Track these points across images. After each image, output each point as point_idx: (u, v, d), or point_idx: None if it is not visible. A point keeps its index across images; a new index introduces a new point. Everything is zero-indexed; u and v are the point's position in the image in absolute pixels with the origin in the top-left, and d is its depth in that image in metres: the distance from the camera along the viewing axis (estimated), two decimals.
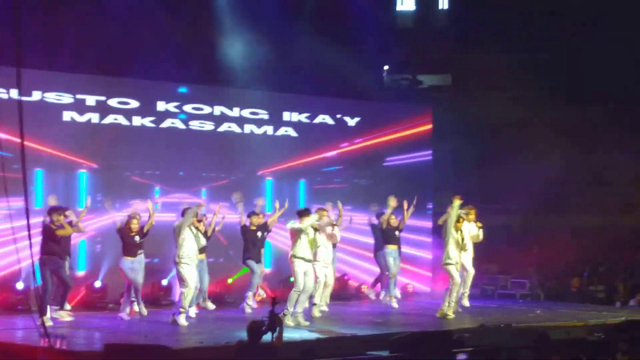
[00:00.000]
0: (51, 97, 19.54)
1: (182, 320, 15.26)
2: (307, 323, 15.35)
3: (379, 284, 20.22)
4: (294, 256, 15.58)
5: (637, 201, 25.38)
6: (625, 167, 24.95)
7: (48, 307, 15.21)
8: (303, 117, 23.00)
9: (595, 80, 25.63)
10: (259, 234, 18.24)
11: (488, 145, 25.73)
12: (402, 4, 29.62)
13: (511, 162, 24.90)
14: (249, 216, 18.29)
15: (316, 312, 16.67)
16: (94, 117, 20.11)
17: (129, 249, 16.37)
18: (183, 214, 15.86)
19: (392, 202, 19.04)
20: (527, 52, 26.93)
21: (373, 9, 24.70)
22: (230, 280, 20.54)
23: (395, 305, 18.85)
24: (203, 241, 16.05)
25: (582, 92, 25.95)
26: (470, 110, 26.03)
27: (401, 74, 28.74)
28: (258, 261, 18.24)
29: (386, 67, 28.32)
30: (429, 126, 24.44)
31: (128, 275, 16.30)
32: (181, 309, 15.31)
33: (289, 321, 15.06)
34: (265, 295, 19.20)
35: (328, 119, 23.39)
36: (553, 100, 25.92)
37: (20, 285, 17.58)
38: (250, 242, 18.15)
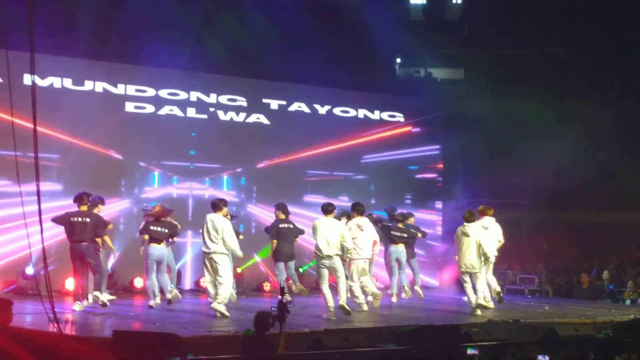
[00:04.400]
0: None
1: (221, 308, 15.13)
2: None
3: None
4: (316, 253, 15.41)
5: None
6: (636, 163, 24.92)
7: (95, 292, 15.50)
8: (305, 108, 23.06)
9: (609, 77, 25.61)
10: (289, 230, 17.83)
11: (498, 139, 25.70)
12: None
13: (521, 156, 24.88)
14: (276, 209, 17.98)
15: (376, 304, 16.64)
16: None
17: (154, 236, 16.18)
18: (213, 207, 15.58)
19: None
20: (539, 47, 26.90)
21: (386, 2, 24.71)
22: (239, 270, 20.58)
23: (394, 300, 18.72)
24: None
25: (594, 88, 25.92)
26: (481, 104, 26.00)
27: (413, 67, 28.73)
28: (287, 260, 17.82)
29: (398, 60, 28.33)
30: (440, 120, 24.46)
31: (148, 264, 16.18)
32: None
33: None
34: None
35: (337, 111, 23.43)
36: (564, 96, 25.88)
37: (29, 270, 17.64)
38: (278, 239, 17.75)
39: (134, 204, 20.61)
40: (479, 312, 16.23)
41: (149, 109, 20.94)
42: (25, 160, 11.24)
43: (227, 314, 14.62)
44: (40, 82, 18.70)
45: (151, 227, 16.09)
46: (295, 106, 22.95)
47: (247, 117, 22.25)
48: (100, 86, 20.32)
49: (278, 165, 22.38)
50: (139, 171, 20.94)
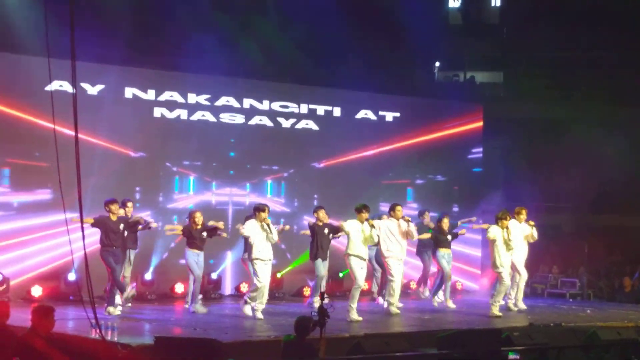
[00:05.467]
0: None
1: (247, 310, 15.43)
2: (360, 318, 15.30)
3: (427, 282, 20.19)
4: (348, 254, 15.60)
5: None
6: None
7: (117, 297, 15.60)
8: (338, 113, 23.09)
9: None
10: (326, 230, 17.86)
11: (539, 143, 25.57)
12: (454, 1, 29.54)
13: (562, 160, 24.74)
14: (315, 212, 18.02)
15: (390, 309, 16.61)
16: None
17: (194, 242, 16.41)
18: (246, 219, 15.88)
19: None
20: (580, 50, 26.74)
21: (424, 5, 24.67)
22: (279, 275, 20.62)
23: (435, 304, 18.76)
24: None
25: (636, 92, 25.71)
26: (522, 107, 25.89)
27: (453, 71, 28.68)
28: (324, 259, 17.85)
29: (438, 64, 28.28)
30: (480, 123, 24.37)
31: (192, 268, 16.36)
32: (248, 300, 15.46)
33: (354, 315, 15.17)
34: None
35: (372, 115, 23.41)
36: (605, 99, 25.70)
37: (72, 276, 17.79)
38: (316, 240, 17.77)
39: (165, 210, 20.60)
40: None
41: (183, 114, 20.95)
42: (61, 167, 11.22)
43: None
44: (71, 89, 18.83)
45: None
46: (337, 111, 22.95)
47: (296, 122, 22.24)
48: (133, 92, 20.34)
49: (322, 169, 22.45)
50: (174, 176, 20.96)
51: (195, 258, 16.34)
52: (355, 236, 15.55)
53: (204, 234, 16.50)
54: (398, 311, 16.48)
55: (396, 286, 16.44)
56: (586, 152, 24.58)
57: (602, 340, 13.14)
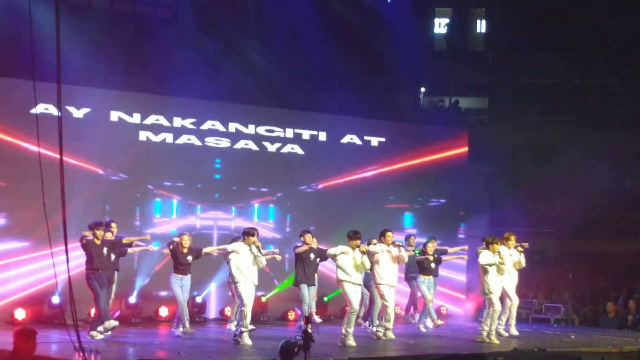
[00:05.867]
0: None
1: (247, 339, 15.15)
2: (354, 344, 15.12)
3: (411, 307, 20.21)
4: (341, 280, 15.43)
5: None
6: None
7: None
8: (324, 137, 23.12)
9: (634, 106, 25.56)
10: (312, 255, 17.92)
11: (523, 168, 25.66)
12: (439, 27, 29.68)
13: (546, 186, 24.81)
14: (301, 235, 18.02)
15: (387, 334, 16.52)
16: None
17: (178, 266, 16.39)
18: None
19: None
20: (564, 77, 26.89)
21: (410, 32, 24.81)
22: (264, 299, 20.60)
23: (423, 329, 18.78)
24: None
25: (619, 118, 25.86)
26: (506, 133, 25.99)
27: (438, 96, 28.78)
28: (310, 284, 17.88)
29: (423, 90, 28.39)
30: (465, 149, 24.44)
31: (175, 293, 16.33)
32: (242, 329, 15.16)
33: (350, 341, 14.98)
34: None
35: (358, 140, 23.45)
36: (589, 125, 25.83)
37: (55, 299, 17.72)
38: (300, 265, 17.80)
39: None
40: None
41: (168, 138, 20.94)
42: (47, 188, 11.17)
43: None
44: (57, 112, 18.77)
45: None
46: (322, 136, 23.00)
47: (281, 147, 22.25)
48: (119, 115, 20.32)
49: (309, 193, 22.48)
50: (155, 198, 20.92)
51: (179, 282, 16.32)
52: (347, 262, 15.33)
53: (189, 257, 16.46)
54: (393, 337, 16.42)
55: (391, 311, 16.39)
56: (571, 177, 24.67)
57: None
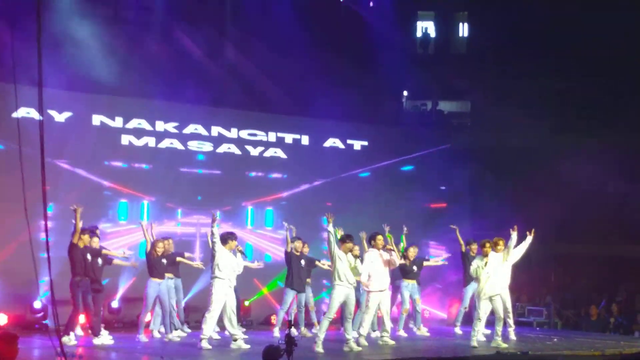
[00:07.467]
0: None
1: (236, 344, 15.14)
2: (322, 351, 14.97)
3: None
4: (335, 285, 15.22)
5: None
6: None
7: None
8: (306, 141, 23.13)
9: (617, 109, 25.61)
10: (303, 262, 17.94)
11: (506, 172, 25.67)
12: (422, 31, 29.69)
13: (529, 189, 24.83)
14: (292, 241, 17.95)
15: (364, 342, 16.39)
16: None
17: (152, 270, 16.32)
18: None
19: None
20: (547, 80, 26.91)
21: (392, 36, 24.82)
22: (247, 303, 20.57)
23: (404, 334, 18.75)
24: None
25: (602, 121, 25.90)
26: (489, 137, 26.00)
27: (420, 100, 28.79)
28: (300, 291, 17.96)
29: (405, 93, 28.40)
30: (447, 153, 24.47)
31: (147, 298, 16.24)
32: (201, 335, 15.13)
33: (319, 348, 14.70)
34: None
35: (341, 143, 23.47)
36: (572, 128, 25.87)
37: (37, 304, 17.63)
38: (291, 268, 17.83)
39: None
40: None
41: (151, 142, 20.90)
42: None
43: None
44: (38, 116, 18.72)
45: None
46: (305, 139, 23.02)
47: (264, 150, 22.30)
48: (101, 119, 20.28)
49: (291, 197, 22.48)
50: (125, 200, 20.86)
51: (156, 287, 16.26)
52: (341, 266, 15.04)
53: (164, 261, 16.43)
54: (366, 343, 16.26)
55: (368, 318, 16.30)
56: (553, 181, 24.69)
57: None
